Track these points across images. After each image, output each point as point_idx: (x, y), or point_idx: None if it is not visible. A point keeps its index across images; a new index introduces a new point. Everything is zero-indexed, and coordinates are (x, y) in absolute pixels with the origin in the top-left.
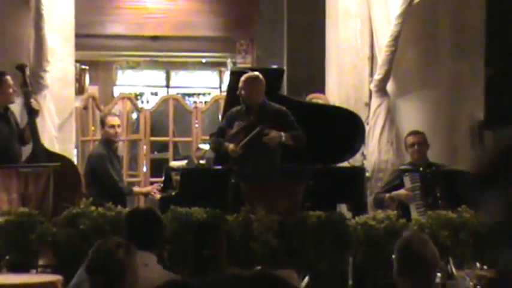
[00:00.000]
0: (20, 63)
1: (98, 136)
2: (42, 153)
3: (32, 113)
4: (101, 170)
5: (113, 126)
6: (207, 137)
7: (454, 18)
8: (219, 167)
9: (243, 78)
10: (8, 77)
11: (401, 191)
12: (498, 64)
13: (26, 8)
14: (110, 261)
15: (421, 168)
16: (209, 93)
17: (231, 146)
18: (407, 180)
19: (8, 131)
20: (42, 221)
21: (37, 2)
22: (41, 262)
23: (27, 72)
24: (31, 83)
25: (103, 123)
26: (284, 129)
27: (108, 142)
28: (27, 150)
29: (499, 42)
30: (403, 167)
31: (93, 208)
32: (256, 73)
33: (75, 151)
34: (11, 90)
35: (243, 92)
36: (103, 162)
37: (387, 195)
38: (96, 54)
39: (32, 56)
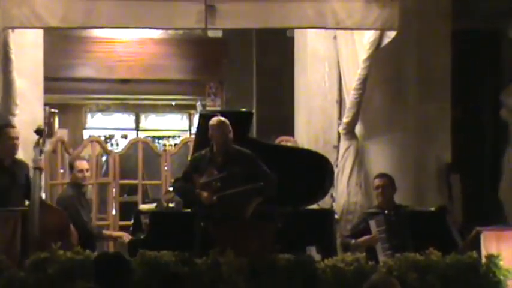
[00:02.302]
0: (38, 127)
1: (67, 179)
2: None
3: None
4: (70, 213)
5: (81, 170)
6: None
7: (421, 61)
8: (188, 210)
9: (212, 122)
10: (10, 129)
11: (366, 238)
12: (465, 106)
13: None
14: None
15: (386, 211)
16: (179, 136)
17: (205, 194)
18: (372, 224)
19: (8, 185)
20: (9, 266)
21: (5, 46)
22: None
23: (44, 136)
24: None
25: (72, 167)
26: (252, 173)
27: (77, 186)
28: None
29: (465, 84)
30: (369, 211)
31: (61, 252)
32: (223, 118)
33: (43, 195)
34: (12, 143)
35: (213, 135)
36: (72, 205)
37: (353, 241)
38: (66, 97)
39: (0, 99)
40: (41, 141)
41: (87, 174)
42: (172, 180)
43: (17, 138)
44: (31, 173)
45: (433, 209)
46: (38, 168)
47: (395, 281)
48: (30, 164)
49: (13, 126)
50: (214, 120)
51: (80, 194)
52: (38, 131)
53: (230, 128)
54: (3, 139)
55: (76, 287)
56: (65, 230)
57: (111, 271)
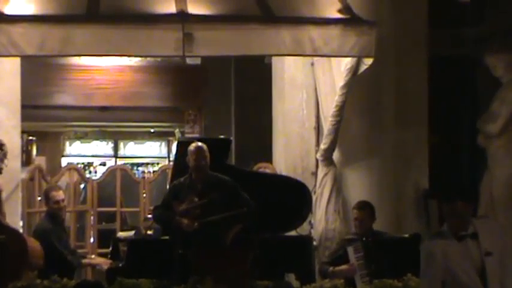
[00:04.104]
0: None
1: (44, 207)
2: None
3: None
4: (47, 245)
5: (57, 202)
6: None
7: (398, 87)
8: (167, 238)
9: (190, 147)
10: None
11: (343, 267)
12: (442, 132)
13: None
14: None
15: (363, 238)
16: (158, 163)
17: (185, 221)
18: (350, 251)
19: None
20: None
21: None
22: None
23: (5, 150)
24: None
25: (47, 198)
26: (232, 200)
27: (54, 216)
28: None
29: (442, 110)
30: (346, 237)
31: (38, 281)
32: (200, 144)
33: (21, 223)
34: None
35: (191, 161)
36: (48, 237)
37: (330, 269)
38: (44, 125)
39: None
40: (0, 157)
41: (63, 204)
42: (151, 208)
43: None
44: None
45: (406, 235)
46: None
47: None
48: None
49: None
50: (192, 146)
51: (57, 224)
52: None
53: (208, 153)
54: None
55: None
56: (23, 250)
57: None
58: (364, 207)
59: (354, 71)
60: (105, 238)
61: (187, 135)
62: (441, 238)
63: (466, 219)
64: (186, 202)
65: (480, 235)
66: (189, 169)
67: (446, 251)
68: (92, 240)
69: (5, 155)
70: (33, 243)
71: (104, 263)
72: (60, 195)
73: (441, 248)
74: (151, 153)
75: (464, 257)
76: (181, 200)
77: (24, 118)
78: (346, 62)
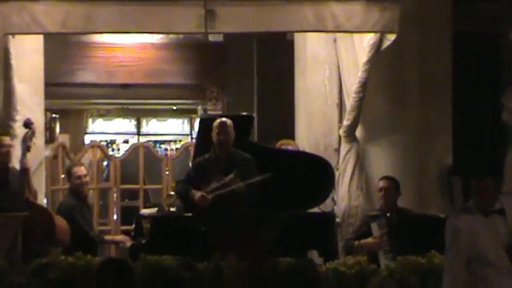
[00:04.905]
0: (25, 120)
1: (68, 185)
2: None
3: (23, 171)
4: (70, 221)
5: (79, 177)
6: None
7: (421, 64)
8: (189, 214)
9: (215, 123)
10: (1, 137)
11: (369, 240)
12: (466, 109)
13: None
14: None
15: (388, 214)
16: (180, 141)
17: (198, 194)
18: (374, 227)
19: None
20: (11, 272)
21: (6, 52)
22: None
23: (33, 129)
24: None
25: (69, 174)
26: (247, 177)
27: (77, 193)
28: None
29: (466, 86)
30: (370, 213)
31: (62, 257)
32: (225, 119)
33: (45, 200)
34: (4, 150)
35: (215, 136)
36: (71, 214)
37: (356, 242)
38: (67, 102)
39: (1, 105)
40: (28, 135)
41: (85, 179)
42: (174, 185)
43: (10, 145)
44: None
45: (442, 216)
46: (24, 169)
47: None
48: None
49: (5, 134)
50: (216, 121)
51: (80, 201)
52: (26, 124)
53: (231, 129)
54: None
55: None
56: (51, 227)
57: (114, 279)
58: (389, 178)
59: (377, 47)
60: (128, 215)
61: (209, 113)
62: (467, 214)
63: (495, 196)
64: (215, 181)
65: (507, 211)
66: (212, 145)
67: (472, 227)
68: (115, 217)
69: (33, 133)
70: (60, 221)
71: (126, 239)
72: (81, 170)
73: (467, 224)
74: (173, 131)
75: (491, 232)
76: (208, 178)
77: (47, 96)
78: (369, 38)
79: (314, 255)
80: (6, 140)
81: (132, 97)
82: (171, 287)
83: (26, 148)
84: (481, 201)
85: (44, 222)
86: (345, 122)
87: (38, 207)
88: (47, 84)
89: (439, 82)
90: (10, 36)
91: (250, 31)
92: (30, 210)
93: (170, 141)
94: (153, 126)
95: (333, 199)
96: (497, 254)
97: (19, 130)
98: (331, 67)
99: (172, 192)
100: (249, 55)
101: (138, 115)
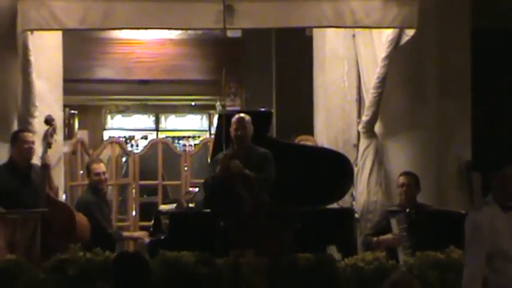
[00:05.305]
0: (47, 117)
1: (87, 181)
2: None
3: (44, 168)
4: (88, 218)
5: (98, 174)
6: (196, 180)
7: (440, 59)
8: (208, 210)
9: (234, 118)
10: (25, 134)
11: (388, 236)
12: (485, 104)
13: (14, 54)
14: None
15: (407, 210)
16: (199, 137)
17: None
18: (394, 222)
19: (20, 188)
20: (29, 268)
21: (25, 48)
22: None
23: (54, 126)
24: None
25: (88, 171)
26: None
27: (95, 189)
28: None
29: (485, 82)
30: (390, 209)
31: (81, 253)
32: (243, 114)
33: (63, 196)
34: (27, 147)
35: (235, 132)
36: (90, 210)
37: (375, 239)
38: (85, 98)
39: (20, 101)
40: (49, 132)
41: (104, 176)
42: (192, 181)
43: (33, 142)
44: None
45: (462, 211)
46: (45, 165)
47: (415, 280)
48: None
49: (29, 131)
50: (236, 116)
51: (99, 197)
52: (47, 121)
53: (250, 124)
54: (18, 143)
55: None
56: (71, 224)
57: (130, 272)
58: (410, 174)
59: (396, 42)
60: (147, 211)
61: (228, 108)
62: (487, 209)
63: None
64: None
65: None
66: (231, 141)
67: (492, 222)
68: (133, 213)
69: (54, 130)
70: (81, 218)
71: (144, 235)
72: (101, 167)
73: (488, 219)
74: (192, 127)
75: (511, 227)
76: None
77: (66, 92)
78: (388, 34)
79: (333, 250)
80: (30, 136)
81: (151, 93)
82: (189, 283)
83: (47, 145)
84: (501, 196)
85: (65, 218)
86: (364, 118)
87: (59, 204)
88: (66, 80)
89: (458, 77)
90: (29, 33)
91: (268, 27)
92: (51, 207)
93: (189, 137)
94: (172, 122)
95: (351, 195)
96: None
97: (38, 126)
98: (350, 63)
99: (191, 189)
100: (267, 51)
101: (157, 111)
